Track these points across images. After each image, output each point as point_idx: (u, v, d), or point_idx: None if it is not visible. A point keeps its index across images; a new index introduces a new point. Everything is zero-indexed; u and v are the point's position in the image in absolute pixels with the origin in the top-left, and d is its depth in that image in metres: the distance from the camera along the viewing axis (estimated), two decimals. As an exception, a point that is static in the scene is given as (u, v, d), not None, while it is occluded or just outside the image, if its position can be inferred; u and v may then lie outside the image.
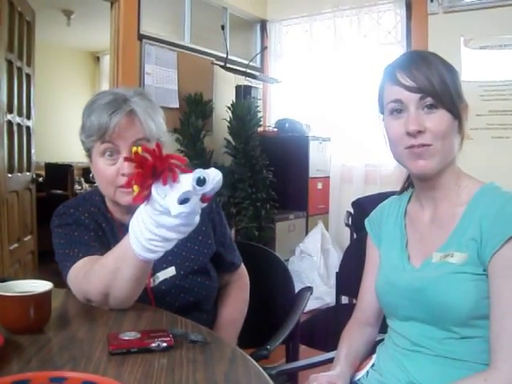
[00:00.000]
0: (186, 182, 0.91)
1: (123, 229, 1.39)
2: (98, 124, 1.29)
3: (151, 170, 0.92)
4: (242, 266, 1.62)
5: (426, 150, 1.09)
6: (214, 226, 1.48)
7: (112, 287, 1.15)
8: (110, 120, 1.28)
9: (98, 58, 8.02)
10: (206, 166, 0.98)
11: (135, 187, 0.93)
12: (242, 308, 1.57)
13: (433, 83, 1.08)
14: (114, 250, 1.17)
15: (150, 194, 0.94)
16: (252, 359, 0.94)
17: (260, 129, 4.64)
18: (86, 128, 1.33)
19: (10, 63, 3.20)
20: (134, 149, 0.95)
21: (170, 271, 1.38)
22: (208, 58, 4.69)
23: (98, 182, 1.38)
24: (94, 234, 1.37)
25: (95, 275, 1.18)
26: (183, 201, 0.91)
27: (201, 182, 0.92)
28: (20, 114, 3.46)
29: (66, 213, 1.40)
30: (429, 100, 1.08)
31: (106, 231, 1.40)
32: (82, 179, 5.92)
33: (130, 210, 1.36)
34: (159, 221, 0.96)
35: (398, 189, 1.34)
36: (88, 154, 1.39)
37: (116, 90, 1.41)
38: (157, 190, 0.92)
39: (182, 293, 1.38)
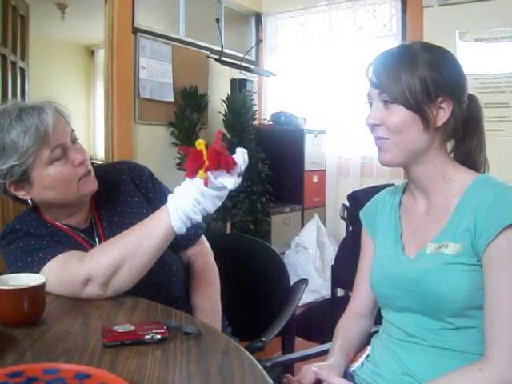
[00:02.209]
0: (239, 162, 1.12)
1: (74, 232, 1.38)
2: (36, 130, 1.22)
3: (215, 158, 1.10)
4: (203, 239, 1.57)
5: (383, 143, 1.13)
6: (154, 206, 1.42)
7: (132, 256, 1.19)
8: (44, 121, 1.23)
9: (92, 52, 7.98)
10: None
11: (201, 172, 1.10)
12: (216, 297, 1.51)
13: (389, 79, 1.10)
14: (145, 221, 1.22)
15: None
16: (246, 351, 0.94)
17: (255, 122, 4.62)
18: (17, 146, 1.22)
19: (3, 57, 3.19)
20: (199, 141, 1.10)
21: None
22: (203, 51, 4.67)
23: (55, 191, 1.29)
24: (50, 238, 1.31)
25: (108, 249, 1.21)
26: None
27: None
28: (14, 109, 3.44)
29: (13, 230, 1.33)
30: (385, 96, 1.11)
31: (60, 237, 1.35)
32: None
33: (75, 211, 1.39)
34: (206, 193, 1.12)
35: (394, 181, 1.34)
36: (21, 179, 1.26)
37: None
38: (212, 173, 1.11)
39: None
